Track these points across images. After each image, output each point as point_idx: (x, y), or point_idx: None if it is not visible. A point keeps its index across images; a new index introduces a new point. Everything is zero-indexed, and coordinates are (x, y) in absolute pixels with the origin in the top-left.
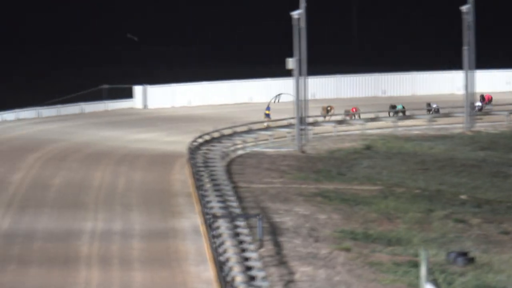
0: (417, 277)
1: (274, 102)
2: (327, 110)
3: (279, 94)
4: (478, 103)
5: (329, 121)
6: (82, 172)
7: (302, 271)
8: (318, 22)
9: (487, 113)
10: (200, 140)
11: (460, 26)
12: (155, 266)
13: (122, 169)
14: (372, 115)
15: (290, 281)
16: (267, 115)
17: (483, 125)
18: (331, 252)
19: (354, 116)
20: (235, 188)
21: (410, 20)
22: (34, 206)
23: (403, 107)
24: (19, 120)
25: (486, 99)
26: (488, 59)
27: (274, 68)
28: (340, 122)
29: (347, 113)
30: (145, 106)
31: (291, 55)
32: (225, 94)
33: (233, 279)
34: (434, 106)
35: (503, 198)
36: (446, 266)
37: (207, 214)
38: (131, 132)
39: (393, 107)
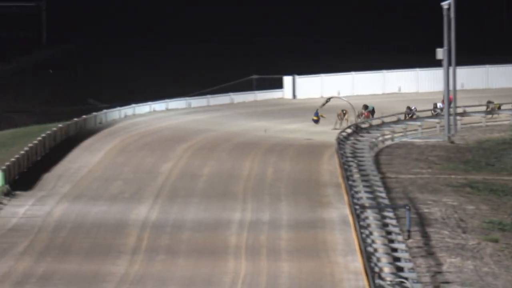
0: None
1: (322, 105)
2: (343, 114)
3: (329, 98)
4: (440, 104)
5: (478, 112)
6: (231, 162)
7: (449, 262)
8: (468, 11)
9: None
10: (348, 131)
11: None
12: (302, 256)
13: (270, 159)
14: None
15: (438, 272)
16: (315, 121)
17: None
18: (479, 243)
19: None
20: (383, 179)
21: None
22: (183, 196)
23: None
24: (168, 110)
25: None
26: None
27: (424, 57)
28: (488, 113)
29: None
30: (294, 96)
31: (441, 44)
32: (374, 84)
33: (380, 270)
34: None
35: None
36: None
37: (356, 204)
38: (280, 123)
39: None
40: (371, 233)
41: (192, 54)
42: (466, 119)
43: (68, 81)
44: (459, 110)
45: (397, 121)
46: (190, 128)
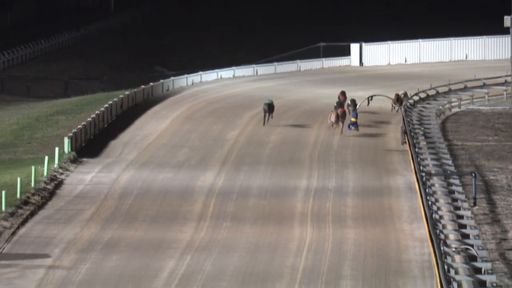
0: None
1: (368, 104)
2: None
3: (372, 96)
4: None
5: None
6: (297, 129)
7: None
8: None
9: None
10: (416, 98)
11: None
12: (368, 223)
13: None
14: None
15: (503, 239)
16: (353, 124)
17: None
18: None
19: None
20: (450, 146)
21: None
22: (249, 163)
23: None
24: (235, 78)
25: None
26: None
27: (492, 25)
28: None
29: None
30: (361, 63)
31: (509, 12)
32: (441, 52)
33: (446, 237)
34: None
35: None
36: None
37: (422, 171)
38: (347, 90)
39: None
40: (436, 200)
41: (260, 21)
42: None
43: (136, 49)
44: None
45: (464, 88)
46: (256, 95)
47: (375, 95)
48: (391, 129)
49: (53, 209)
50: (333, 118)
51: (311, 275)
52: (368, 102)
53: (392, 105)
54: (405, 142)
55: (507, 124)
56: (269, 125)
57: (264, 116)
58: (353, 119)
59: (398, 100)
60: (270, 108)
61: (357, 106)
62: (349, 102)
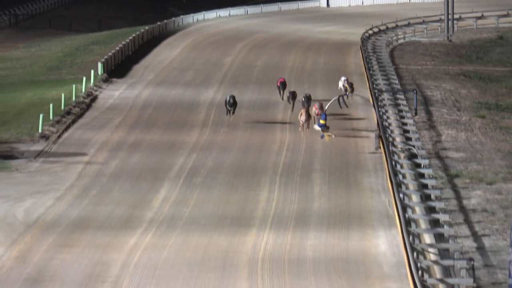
0: None
1: (341, 106)
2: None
3: (341, 96)
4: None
5: (471, 17)
6: (278, 56)
7: (447, 133)
8: None
9: None
10: (370, 32)
11: None
12: (333, 127)
13: (309, 54)
14: (504, 12)
15: (438, 141)
16: (322, 126)
17: None
18: (470, 119)
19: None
20: (396, 69)
21: None
22: (241, 83)
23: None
24: (230, 16)
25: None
26: None
27: None
28: (479, 18)
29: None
30: (328, 5)
31: None
32: None
33: (393, 139)
34: None
35: None
36: None
37: (375, 89)
38: (317, 26)
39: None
40: (386, 111)
41: None
42: (461, 23)
43: None
44: (456, 16)
45: (408, 25)
46: (247, 30)
47: (341, 97)
48: (351, 56)
49: (90, 118)
50: (303, 117)
51: (289, 169)
52: (339, 103)
53: (344, 94)
54: (379, 147)
55: (441, 52)
56: (256, 52)
57: (228, 111)
58: (322, 121)
59: (351, 86)
60: (233, 103)
61: (325, 108)
62: (303, 99)
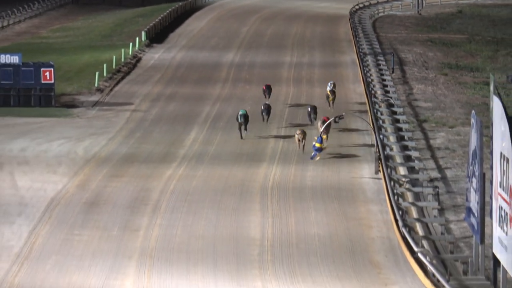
0: (488, 91)
1: (336, 121)
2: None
3: (339, 116)
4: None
5: None
6: (284, 26)
7: (417, 87)
8: None
9: None
10: (357, 7)
11: None
12: (327, 82)
13: (308, 25)
14: None
15: (410, 94)
16: (318, 150)
17: None
18: (435, 76)
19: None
20: (377, 36)
21: None
22: (255, 47)
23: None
24: None
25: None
26: None
27: None
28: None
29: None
30: None
31: None
32: None
33: (375, 92)
34: None
35: None
36: (506, 85)
37: (360, 52)
38: (315, 2)
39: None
40: (369, 70)
41: None
42: (428, 0)
43: None
44: None
45: (386, 1)
46: (259, 5)
47: (342, 116)
48: (342, 26)
49: (135, 75)
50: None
51: (292, 116)
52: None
53: (328, 102)
54: (379, 171)
55: (412, 23)
56: (266, 23)
57: (240, 129)
58: (317, 145)
59: (333, 93)
60: (246, 119)
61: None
62: (309, 109)
